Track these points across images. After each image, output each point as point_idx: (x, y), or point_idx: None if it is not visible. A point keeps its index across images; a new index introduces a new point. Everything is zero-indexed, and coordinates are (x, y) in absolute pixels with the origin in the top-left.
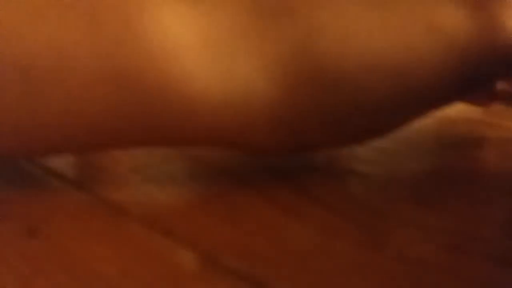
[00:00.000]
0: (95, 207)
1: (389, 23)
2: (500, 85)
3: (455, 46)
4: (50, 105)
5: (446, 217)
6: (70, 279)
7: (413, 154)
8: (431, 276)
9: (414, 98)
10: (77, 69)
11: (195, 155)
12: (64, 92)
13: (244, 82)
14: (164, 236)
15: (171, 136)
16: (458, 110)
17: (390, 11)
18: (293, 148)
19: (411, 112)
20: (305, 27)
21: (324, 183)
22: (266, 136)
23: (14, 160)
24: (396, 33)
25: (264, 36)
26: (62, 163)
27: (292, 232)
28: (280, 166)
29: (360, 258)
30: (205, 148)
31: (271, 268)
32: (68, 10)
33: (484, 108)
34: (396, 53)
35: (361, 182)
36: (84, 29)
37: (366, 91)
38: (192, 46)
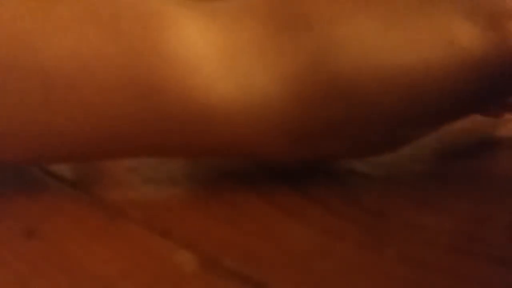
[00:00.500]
0: (94, 208)
1: (406, 39)
2: None
3: (471, 62)
4: (70, 112)
5: (447, 218)
6: (69, 279)
7: (414, 154)
8: (431, 277)
9: (430, 112)
10: (97, 78)
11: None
12: (84, 99)
13: (261, 94)
14: (163, 237)
15: (188, 145)
16: None
17: (407, 27)
18: (308, 158)
19: (426, 125)
20: (322, 41)
21: (324, 183)
22: (282, 147)
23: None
24: (412, 49)
25: (281, 50)
26: (61, 164)
27: (292, 233)
28: (280, 167)
29: (360, 259)
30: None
31: (271, 269)
32: (91, 21)
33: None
34: (412, 68)
35: (362, 183)
36: (105, 40)
37: (381, 105)
38: (210, 58)
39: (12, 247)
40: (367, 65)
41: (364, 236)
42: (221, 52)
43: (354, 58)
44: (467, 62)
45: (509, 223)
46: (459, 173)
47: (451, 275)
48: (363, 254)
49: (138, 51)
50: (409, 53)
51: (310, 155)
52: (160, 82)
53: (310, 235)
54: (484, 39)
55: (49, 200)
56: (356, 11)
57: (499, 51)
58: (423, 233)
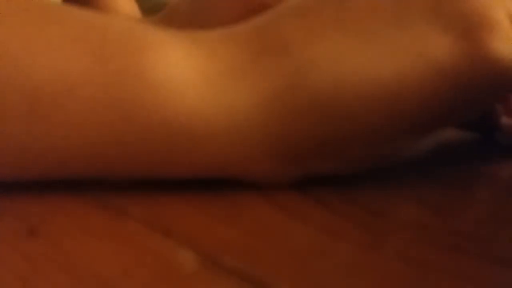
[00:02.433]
0: (95, 207)
1: (381, 54)
2: (504, 119)
3: (445, 72)
4: (55, 130)
5: (446, 218)
6: (70, 279)
7: (413, 153)
8: (431, 276)
9: (407, 124)
10: (82, 97)
11: None
12: (68, 118)
13: (244, 116)
14: (164, 236)
15: (173, 167)
16: None
17: (382, 42)
18: (297, 178)
19: (405, 137)
20: (300, 62)
21: (323, 182)
22: (268, 167)
23: None
24: (388, 63)
25: (262, 72)
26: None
27: (292, 232)
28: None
29: (360, 258)
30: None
31: (271, 268)
32: (78, 42)
33: None
34: (389, 82)
35: (361, 182)
36: (92, 61)
37: (361, 120)
38: (194, 82)
39: (14, 245)
40: (345, 82)
41: (363, 235)
42: (204, 76)
43: (332, 76)
44: (442, 74)
45: (509, 223)
46: (458, 173)
47: (450, 275)
48: (362, 253)
49: (123, 74)
50: (385, 67)
51: (298, 175)
52: (145, 104)
53: (310, 234)
54: (458, 50)
55: (50, 199)
56: (330, 30)
57: (473, 62)
58: (423, 232)
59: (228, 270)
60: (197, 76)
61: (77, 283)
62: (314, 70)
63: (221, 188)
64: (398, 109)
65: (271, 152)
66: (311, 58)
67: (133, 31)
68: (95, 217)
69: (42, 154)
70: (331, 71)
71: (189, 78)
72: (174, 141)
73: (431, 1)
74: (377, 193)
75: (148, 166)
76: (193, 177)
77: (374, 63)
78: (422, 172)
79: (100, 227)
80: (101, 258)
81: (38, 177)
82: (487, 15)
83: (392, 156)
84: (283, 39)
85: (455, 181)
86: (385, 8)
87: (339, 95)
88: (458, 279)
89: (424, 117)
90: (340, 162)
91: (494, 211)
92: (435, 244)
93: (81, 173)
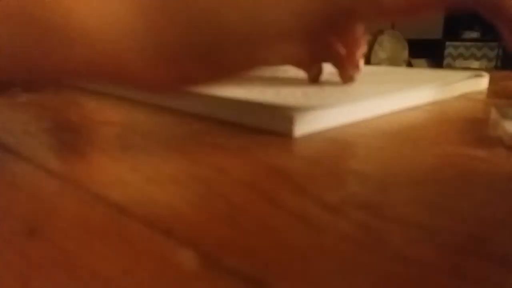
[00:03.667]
0: (95, 207)
1: None
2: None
3: None
4: None
5: (447, 218)
6: (70, 278)
7: (413, 154)
8: (430, 277)
9: (270, 33)
10: None
11: (195, 155)
12: None
13: (118, 21)
14: (165, 236)
15: (56, 66)
16: (457, 109)
17: None
18: (173, 83)
19: (268, 47)
20: None
21: (324, 183)
22: (140, 68)
23: (15, 160)
24: None
25: None
26: (62, 163)
27: (292, 232)
28: (280, 166)
29: (360, 258)
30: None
31: (271, 268)
32: None
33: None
34: None
35: (361, 182)
36: None
37: (227, 28)
38: None
39: (14, 246)
40: None
41: (363, 235)
42: None
43: None
44: None
45: (510, 223)
46: (458, 172)
47: (450, 275)
48: (363, 253)
49: None
50: None
51: (173, 79)
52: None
53: (310, 234)
54: None
55: (50, 199)
56: None
57: None
58: (423, 232)
59: (228, 270)
60: None
61: (76, 282)
62: None
63: (222, 188)
64: (261, 17)
65: (143, 54)
66: None
67: None
68: (95, 217)
69: None
70: None
71: None
72: (53, 36)
73: None
74: (377, 193)
75: (34, 64)
76: (76, 76)
77: None
78: (422, 172)
79: (100, 227)
80: (101, 258)
81: None
82: None
83: (264, 63)
84: None
85: (454, 181)
86: None
87: (208, 4)
88: (457, 279)
89: (285, 28)
90: (211, 68)
91: (494, 211)
92: (435, 244)
93: None
